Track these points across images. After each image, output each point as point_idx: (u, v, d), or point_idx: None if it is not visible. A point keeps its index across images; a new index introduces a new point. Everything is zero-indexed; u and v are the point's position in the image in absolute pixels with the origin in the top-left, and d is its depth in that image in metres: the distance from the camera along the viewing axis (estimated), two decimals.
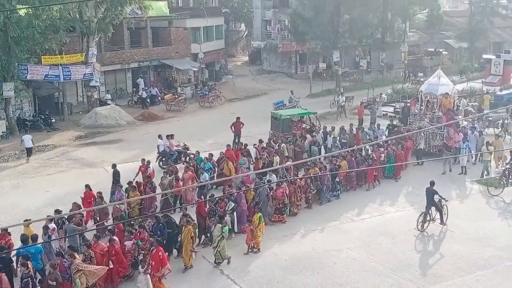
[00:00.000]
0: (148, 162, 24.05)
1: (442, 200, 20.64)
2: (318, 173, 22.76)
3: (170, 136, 28.12)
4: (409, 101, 35.15)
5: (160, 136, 28.33)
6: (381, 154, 25.95)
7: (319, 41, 51.77)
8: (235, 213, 20.15)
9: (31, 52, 36.22)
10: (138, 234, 17.62)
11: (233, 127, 31.53)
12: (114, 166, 23.89)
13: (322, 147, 28.75)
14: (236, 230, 20.27)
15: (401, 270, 17.77)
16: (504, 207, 22.95)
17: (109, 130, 37.28)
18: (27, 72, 36.35)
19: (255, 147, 26.76)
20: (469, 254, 18.79)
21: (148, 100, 44.37)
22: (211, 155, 25.07)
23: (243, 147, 26.83)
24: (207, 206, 19.87)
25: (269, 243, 19.78)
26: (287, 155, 26.50)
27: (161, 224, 18.28)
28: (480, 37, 63.16)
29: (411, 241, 19.92)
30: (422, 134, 28.27)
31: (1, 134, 34.35)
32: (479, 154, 27.10)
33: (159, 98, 45.55)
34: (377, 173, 25.37)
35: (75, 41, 41.25)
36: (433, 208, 20.59)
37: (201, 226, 19.48)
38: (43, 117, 37.71)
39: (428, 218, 20.45)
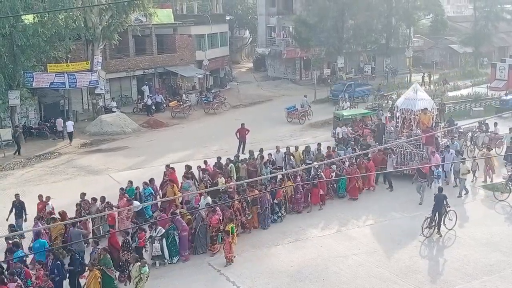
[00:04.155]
0: (48, 197, 21.01)
1: (447, 207, 20.60)
2: (257, 196, 21.03)
3: (347, 124, 31.37)
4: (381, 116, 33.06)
5: (339, 124, 31.47)
6: (332, 173, 24.03)
7: (323, 47, 51.91)
8: (164, 240, 18.39)
9: (37, 60, 36.40)
10: (36, 271, 15.74)
11: (237, 134, 31.53)
12: (16, 196, 21.45)
13: (283, 168, 25.96)
14: (167, 257, 18.54)
15: (407, 276, 17.73)
16: (510, 212, 22.83)
17: (114, 137, 37.37)
18: (33, 79, 36.52)
19: (198, 169, 24.15)
20: (476, 260, 18.70)
21: (153, 107, 44.47)
22: (152, 179, 22.76)
23: (190, 169, 23.79)
24: (122, 237, 17.96)
25: (274, 250, 19.77)
26: (234, 175, 24.30)
27: (58, 262, 16.34)
28: (485, 42, 63.15)
29: (416, 246, 19.87)
30: (393, 155, 25.49)
31: (7, 142, 34.42)
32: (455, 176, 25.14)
33: (164, 105, 45.68)
34: (324, 193, 23.48)
35: (80, 49, 41.48)
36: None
37: (114, 260, 17.22)
38: (48, 124, 37.86)
39: (433, 224, 20.38)
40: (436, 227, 20.46)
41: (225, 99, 46.99)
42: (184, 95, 47.05)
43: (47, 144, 35.52)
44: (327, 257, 19.04)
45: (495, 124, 30.20)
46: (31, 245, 18.64)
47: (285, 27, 59.20)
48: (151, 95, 45.93)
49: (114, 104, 43.94)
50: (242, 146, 31.23)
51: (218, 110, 45.35)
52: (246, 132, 31.60)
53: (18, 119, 36.87)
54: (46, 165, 31.27)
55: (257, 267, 18.48)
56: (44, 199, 20.95)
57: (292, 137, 35.94)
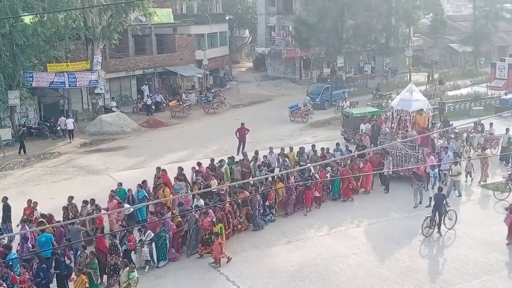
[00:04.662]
0: (35, 203, 20.49)
1: (446, 206, 20.61)
2: (247, 197, 20.77)
3: (371, 122, 31.06)
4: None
5: (363, 120, 31.46)
6: (327, 175, 23.55)
7: (323, 47, 51.90)
8: (153, 243, 18.14)
9: (36, 60, 36.39)
10: (20, 275, 15.56)
11: (237, 133, 31.52)
12: (4, 199, 20.83)
13: (277, 169, 25.57)
14: (154, 261, 18.34)
15: (407, 276, 17.74)
16: None
17: (114, 137, 37.38)
18: (32, 79, 36.54)
19: (193, 170, 23.89)
20: (475, 259, 18.71)
21: (153, 107, 44.48)
22: (145, 181, 22.46)
23: (182, 171, 23.48)
24: (109, 240, 17.66)
25: (274, 250, 19.77)
26: (228, 177, 24.06)
27: (44, 265, 16.14)
28: (484, 41, 63.14)
29: (416, 246, 19.89)
30: (390, 158, 24.93)
31: (7, 141, 34.42)
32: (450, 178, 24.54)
33: (164, 104, 45.68)
34: (320, 195, 23.21)
35: (80, 49, 41.49)
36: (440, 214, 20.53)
37: (102, 264, 17.13)
38: (48, 124, 37.88)
39: (433, 224, 20.39)
40: (436, 227, 20.47)
41: (225, 98, 47.02)
42: (184, 94, 47.07)
43: (47, 144, 35.53)
44: (327, 257, 19.05)
45: (491, 124, 29.98)
46: (18, 248, 18.45)
47: (285, 26, 59.18)
48: (150, 95, 45.93)
49: (114, 103, 43.95)
50: (242, 145, 31.21)
51: (218, 109, 45.36)
52: (246, 131, 31.58)
53: (18, 119, 36.92)
54: (46, 165, 31.28)
55: (257, 267, 18.48)
56: (32, 205, 20.46)
57: (292, 137, 35.98)
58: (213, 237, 18.66)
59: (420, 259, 19.06)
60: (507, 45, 69.60)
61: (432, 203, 21.30)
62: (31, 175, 29.29)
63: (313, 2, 50.41)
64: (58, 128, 37.34)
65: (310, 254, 19.29)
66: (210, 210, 19.44)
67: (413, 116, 26.13)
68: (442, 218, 20.53)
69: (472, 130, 30.33)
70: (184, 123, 41.67)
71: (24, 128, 34.85)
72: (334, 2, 48.59)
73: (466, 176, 25.67)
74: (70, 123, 36.61)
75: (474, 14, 64.53)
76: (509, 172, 24.40)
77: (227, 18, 63.30)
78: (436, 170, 23.50)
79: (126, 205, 20.66)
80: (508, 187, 23.89)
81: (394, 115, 26.93)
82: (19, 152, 32.91)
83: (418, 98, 26.61)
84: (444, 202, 20.50)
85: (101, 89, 41.51)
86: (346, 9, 49.00)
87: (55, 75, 37.90)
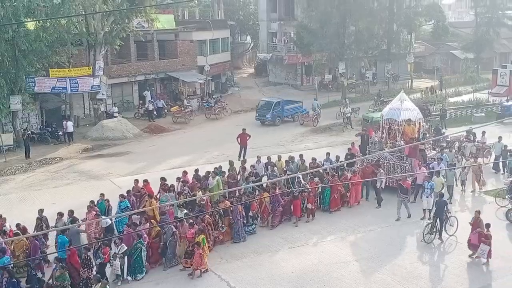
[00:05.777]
0: (4, 219, 19.72)
1: (448, 213, 20.59)
2: (229, 207, 20.45)
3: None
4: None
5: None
6: (317, 185, 23.05)
7: (324, 53, 51.90)
8: (126, 257, 17.74)
9: (39, 65, 36.46)
10: None
11: (239, 139, 31.54)
12: None
13: (265, 178, 25.03)
14: (125, 275, 17.77)
15: (408, 282, 17.70)
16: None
17: (115, 142, 37.40)
18: (35, 84, 36.58)
19: (178, 180, 23.34)
20: (477, 266, 18.68)
21: (155, 113, 44.53)
22: (129, 191, 21.90)
23: (165, 181, 22.92)
24: (83, 254, 17.36)
25: (275, 256, 19.76)
26: (221, 188, 23.23)
27: (14, 280, 15.74)
28: (486, 47, 63.19)
29: (418, 252, 19.86)
30: (382, 171, 24.25)
31: (9, 146, 34.46)
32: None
33: (166, 110, 45.72)
34: (314, 207, 22.61)
35: (82, 54, 41.58)
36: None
37: (74, 279, 16.77)
38: (50, 129, 37.94)
39: (434, 230, 20.37)
40: (437, 233, 20.44)
41: (226, 104, 47.06)
42: (185, 100, 47.08)
43: (48, 149, 35.54)
44: (328, 263, 19.03)
45: (483, 133, 29.44)
46: None
47: (287, 32, 59.32)
48: (152, 100, 45.97)
49: (116, 109, 44.01)
50: (243, 151, 31.23)
51: (220, 115, 45.39)
52: (247, 137, 31.60)
53: (20, 124, 36.96)
54: (47, 170, 31.30)
55: (258, 273, 18.45)
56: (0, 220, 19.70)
57: (294, 143, 35.99)
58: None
59: (421, 265, 19.03)
60: (508, 52, 69.61)
61: (433, 210, 21.24)
62: (32, 180, 29.30)
63: (315, 8, 50.52)
64: (60, 133, 37.48)
65: (312, 260, 19.27)
66: (194, 221, 19.04)
67: (402, 126, 25.55)
68: (444, 224, 20.51)
69: (464, 139, 29.91)
70: (185, 129, 41.70)
71: (29, 132, 35.00)
72: (336, 8, 48.69)
73: (462, 185, 25.42)
74: (70, 126, 37.12)
75: (476, 21, 64.61)
76: (511, 179, 24.39)
77: (229, 24, 63.44)
78: (430, 183, 22.54)
79: (103, 217, 20.11)
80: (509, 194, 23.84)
81: (384, 124, 26.53)
82: (26, 156, 33.05)
83: (408, 107, 26.00)
84: (445, 209, 20.50)
85: (103, 94, 41.57)
86: (348, 15, 49.05)
87: (57, 81, 37.97)
